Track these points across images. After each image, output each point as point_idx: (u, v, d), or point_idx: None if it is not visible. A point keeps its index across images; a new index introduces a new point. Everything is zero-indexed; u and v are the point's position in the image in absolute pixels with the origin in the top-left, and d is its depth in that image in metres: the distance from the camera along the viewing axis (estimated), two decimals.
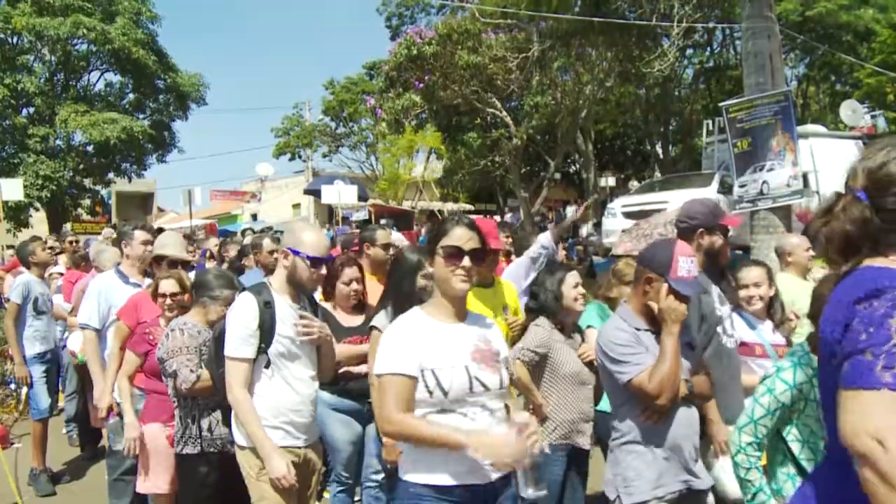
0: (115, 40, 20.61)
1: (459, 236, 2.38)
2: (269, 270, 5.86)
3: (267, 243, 6.01)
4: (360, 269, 4.18)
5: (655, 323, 2.84)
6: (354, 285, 4.07)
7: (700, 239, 3.47)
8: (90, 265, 6.66)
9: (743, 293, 3.82)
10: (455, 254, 2.35)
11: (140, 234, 4.89)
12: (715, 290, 3.42)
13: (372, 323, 3.51)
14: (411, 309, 2.49)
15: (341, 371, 3.85)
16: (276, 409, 2.98)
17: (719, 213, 3.61)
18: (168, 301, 3.99)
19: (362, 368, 3.89)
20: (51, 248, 6.91)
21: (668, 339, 2.71)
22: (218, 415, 3.49)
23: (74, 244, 9.37)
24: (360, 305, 4.14)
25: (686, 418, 2.85)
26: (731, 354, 3.44)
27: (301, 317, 3.04)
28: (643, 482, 2.74)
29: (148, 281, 4.72)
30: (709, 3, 16.55)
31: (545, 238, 4.67)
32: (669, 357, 2.67)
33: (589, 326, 3.98)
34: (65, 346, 6.29)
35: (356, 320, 4.04)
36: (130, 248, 4.87)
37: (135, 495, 4.57)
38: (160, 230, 11.39)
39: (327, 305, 4.03)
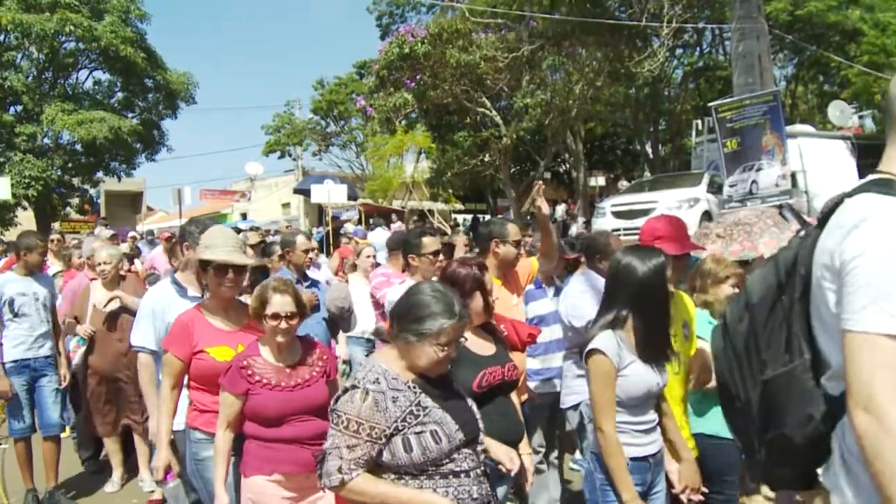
0: (102, 37, 20.51)
1: None
2: (300, 271, 5.16)
3: (301, 241, 5.18)
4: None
5: None
6: (493, 296, 3.16)
7: None
8: (83, 265, 6.40)
9: None
10: None
11: None
12: None
13: (594, 345, 2.67)
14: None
15: None
16: None
17: None
18: (283, 325, 2.99)
19: None
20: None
21: None
22: None
23: (59, 242, 9.05)
24: (487, 325, 3.14)
25: None
26: None
27: None
28: None
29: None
30: (699, 3, 16.67)
31: None
32: None
33: (698, 338, 3.38)
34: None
35: (489, 347, 3.02)
36: (195, 252, 3.63)
37: None
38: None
39: None
